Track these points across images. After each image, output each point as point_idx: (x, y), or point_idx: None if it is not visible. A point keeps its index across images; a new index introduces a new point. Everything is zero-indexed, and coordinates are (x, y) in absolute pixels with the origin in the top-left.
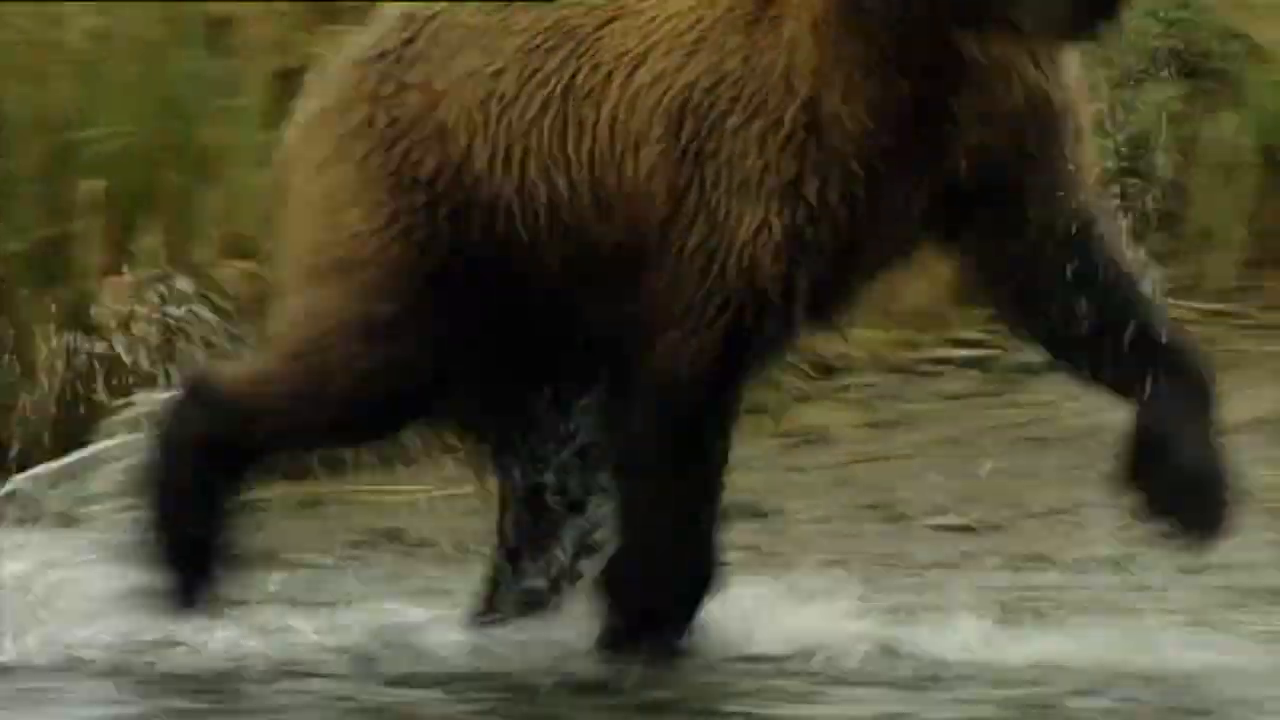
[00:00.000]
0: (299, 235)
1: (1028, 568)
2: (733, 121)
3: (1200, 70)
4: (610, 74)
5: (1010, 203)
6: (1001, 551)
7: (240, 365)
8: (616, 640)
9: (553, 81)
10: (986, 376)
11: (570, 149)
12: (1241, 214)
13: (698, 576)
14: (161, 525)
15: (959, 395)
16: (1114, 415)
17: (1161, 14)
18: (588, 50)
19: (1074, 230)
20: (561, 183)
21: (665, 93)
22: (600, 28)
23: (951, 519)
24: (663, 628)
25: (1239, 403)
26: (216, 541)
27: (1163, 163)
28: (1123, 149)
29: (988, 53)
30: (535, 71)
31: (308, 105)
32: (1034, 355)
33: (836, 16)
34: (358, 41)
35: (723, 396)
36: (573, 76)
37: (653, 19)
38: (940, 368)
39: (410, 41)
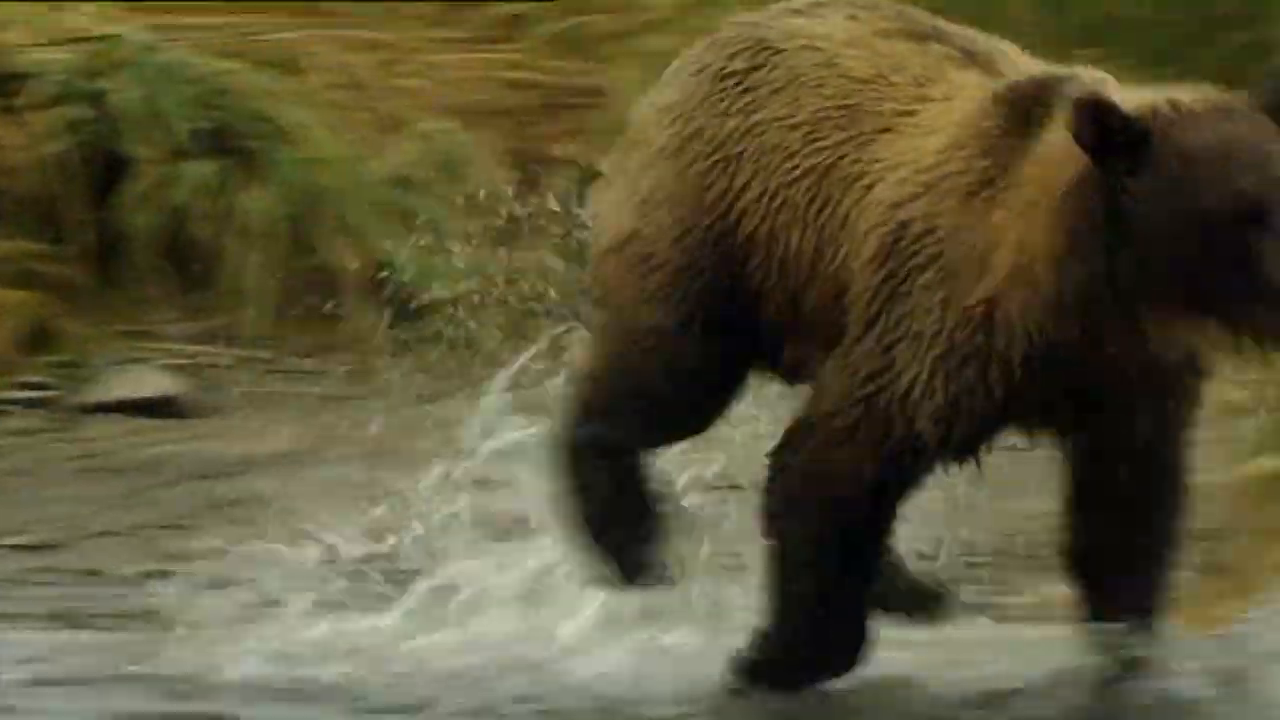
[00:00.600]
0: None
1: (84, 581)
2: (927, 277)
3: (235, 149)
4: (863, 176)
5: (1122, 426)
6: (61, 567)
7: (578, 365)
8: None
9: (826, 155)
10: (49, 415)
11: (815, 219)
12: (273, 273)
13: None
14: (595, 527)
15: (25, 431)
16: (162, 449)
17: (202, 98)
18: (862, 143)
19: (1156, 463)
20: (795, 240)
21: (887, 220)
22: (879, 131)
23: (18, 539)
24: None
25: (269, 439)
26: (643, 523)
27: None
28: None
29: (1168, 339)
30: (817, 140)
31: (655, 100)
32: (91, 396)
33: (1057, 248)
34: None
35: (868, 501)
36: (840, 159)
37: (915, 141)
38: (8, 407)
39: (737, 74)
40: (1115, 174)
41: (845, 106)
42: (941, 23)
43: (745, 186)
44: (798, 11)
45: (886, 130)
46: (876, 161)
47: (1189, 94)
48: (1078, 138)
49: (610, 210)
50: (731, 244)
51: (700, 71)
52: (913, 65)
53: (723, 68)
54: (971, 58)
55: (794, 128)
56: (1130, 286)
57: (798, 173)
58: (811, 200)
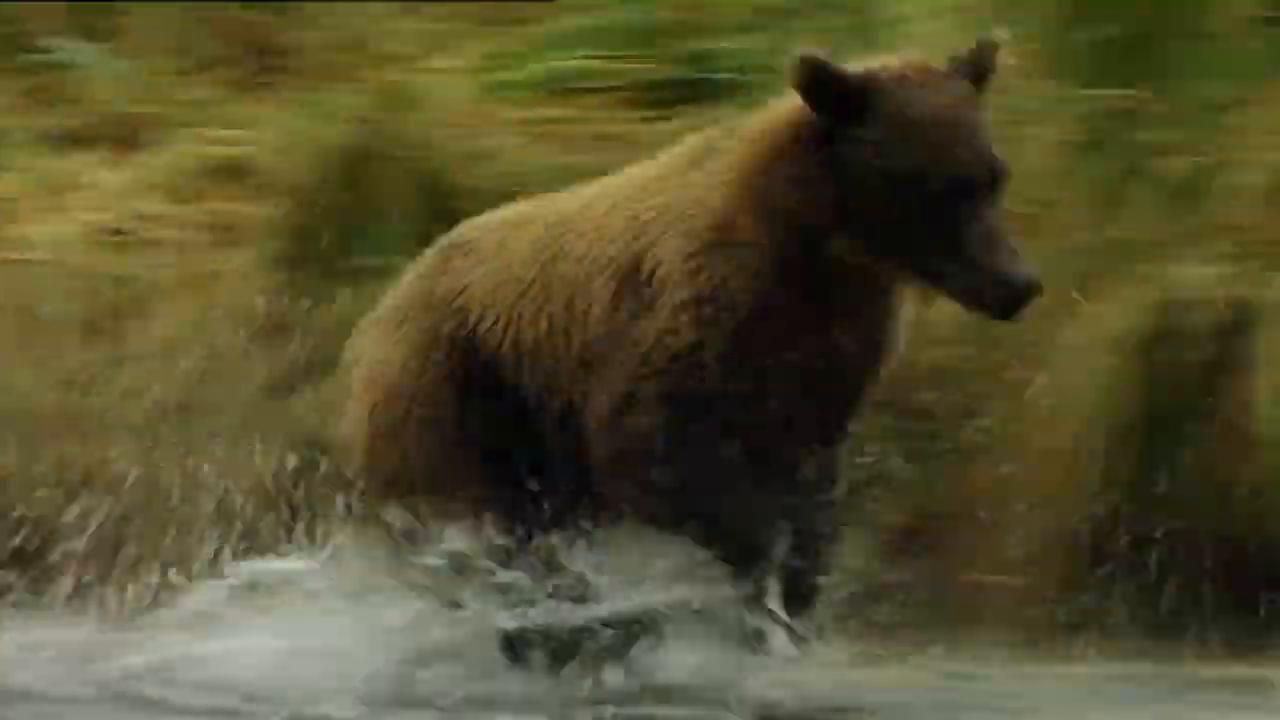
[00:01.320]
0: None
1: None
2: (666, 242)
3: None
4: (587, 233)
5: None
6: None
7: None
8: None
9: (549, 251)
10: None
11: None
12: None
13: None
14: None
15: None
16: None
17: None
18: (582, 231)
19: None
20: (541, 321)
21: (623, 236)
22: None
23: None
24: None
25: None
26: None
27: None
28: None
29: (871, 272)
30: (540, 251)
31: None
32: None
33: (756, 179)
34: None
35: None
36: (562, 249)
37: (632, 197)
38: None
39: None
40: (836, 125)
41: (560, 224)
42: None
43: (480, 319)
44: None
45: (606, 214)
46: (599, 227)
47: (904, 59)
48: (802, 90)
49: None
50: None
51: (414, 277)
52: (608, 190)
53: (427, 264)
54: None
55: (521, 263)
56: (841, 222)
57: (528, 280)
58: (544, 283)
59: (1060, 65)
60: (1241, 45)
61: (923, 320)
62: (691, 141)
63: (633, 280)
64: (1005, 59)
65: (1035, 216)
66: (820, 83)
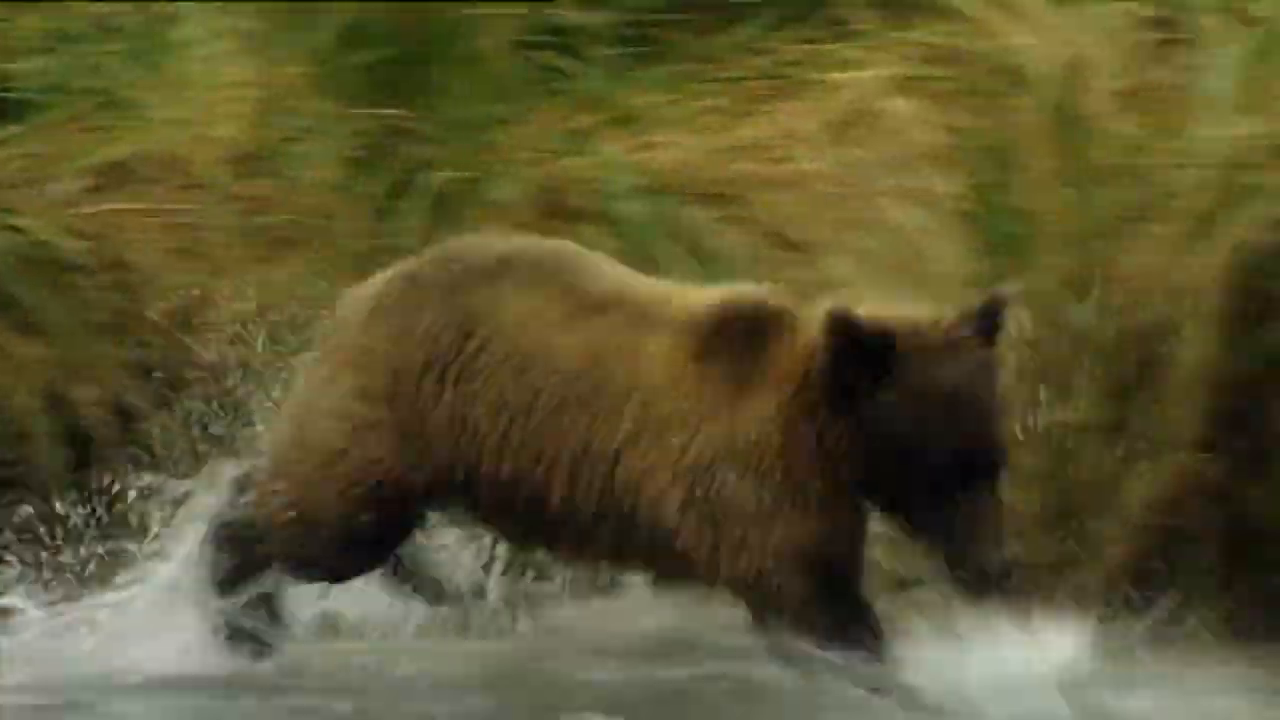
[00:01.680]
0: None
1: None
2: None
3: None
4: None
5: None
6: None
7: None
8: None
9: (574, 439)
10: None
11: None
12: None
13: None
14: None
15: None
16: None
17: None
18: (607, 417)
19: None
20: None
21: (684, 475)
22: (620, 395)
23: None
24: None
25: None
26: None
27: None
28: None
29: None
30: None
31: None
32: None
33: (799, 424)
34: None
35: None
36: (591, 439)
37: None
38: None
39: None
40: (857, 381)
41: (576, 387)
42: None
43: (479, 453)
44: (505, 277)
45: (624, 401)
46: (626, 428)
47: (931, 318)
48: (828, 348)
49: (319, 417)
50: (464, 482)
51: (416, 312)
52: (606, 336)
53: (428, 329)
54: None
55: (529, 411)
56: (867, 474)
57: (550, 456)
58: (571, 476)
59: (337, 85)
60: (501, 68)
61: None
62: (731, 344)
63: (703, 502)
64: (1016, 314)
65: (312, 227)
66: (849, 344)
